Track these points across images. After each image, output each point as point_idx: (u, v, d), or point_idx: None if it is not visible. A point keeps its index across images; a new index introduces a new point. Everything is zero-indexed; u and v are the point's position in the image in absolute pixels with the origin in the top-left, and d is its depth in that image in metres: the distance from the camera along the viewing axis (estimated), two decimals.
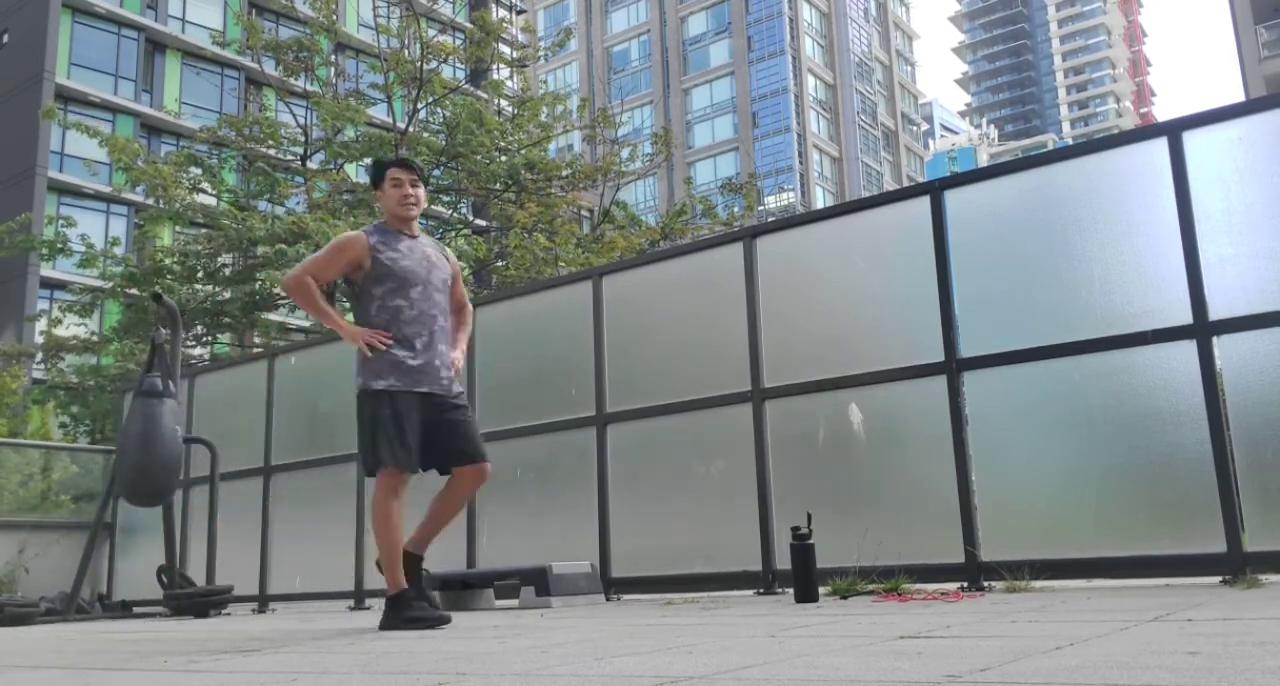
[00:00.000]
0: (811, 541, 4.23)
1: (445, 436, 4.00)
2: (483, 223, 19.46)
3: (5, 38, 29.61)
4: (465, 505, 4.29)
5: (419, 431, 3.95)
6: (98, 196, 27.96)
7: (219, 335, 16.21)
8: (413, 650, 2.87)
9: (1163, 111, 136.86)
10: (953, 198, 5.04)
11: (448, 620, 3.81)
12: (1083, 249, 4.62)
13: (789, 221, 5.80)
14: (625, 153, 18.11)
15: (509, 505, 6.53)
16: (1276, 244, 4.19)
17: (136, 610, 7.85)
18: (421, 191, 4.18)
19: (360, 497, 7.25)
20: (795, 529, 4.29)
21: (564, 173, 17.08)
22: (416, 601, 3.87)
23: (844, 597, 4.29)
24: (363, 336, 3.95)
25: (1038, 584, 4.28)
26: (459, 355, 4.18)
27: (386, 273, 3.99)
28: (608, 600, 5.66)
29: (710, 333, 5.81)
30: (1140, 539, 4.28)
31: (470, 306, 4.41)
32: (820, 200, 64.92)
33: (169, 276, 14.62)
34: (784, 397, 5.41)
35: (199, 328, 15.08)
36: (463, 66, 19.59)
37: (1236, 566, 3.97)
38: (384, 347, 3.93)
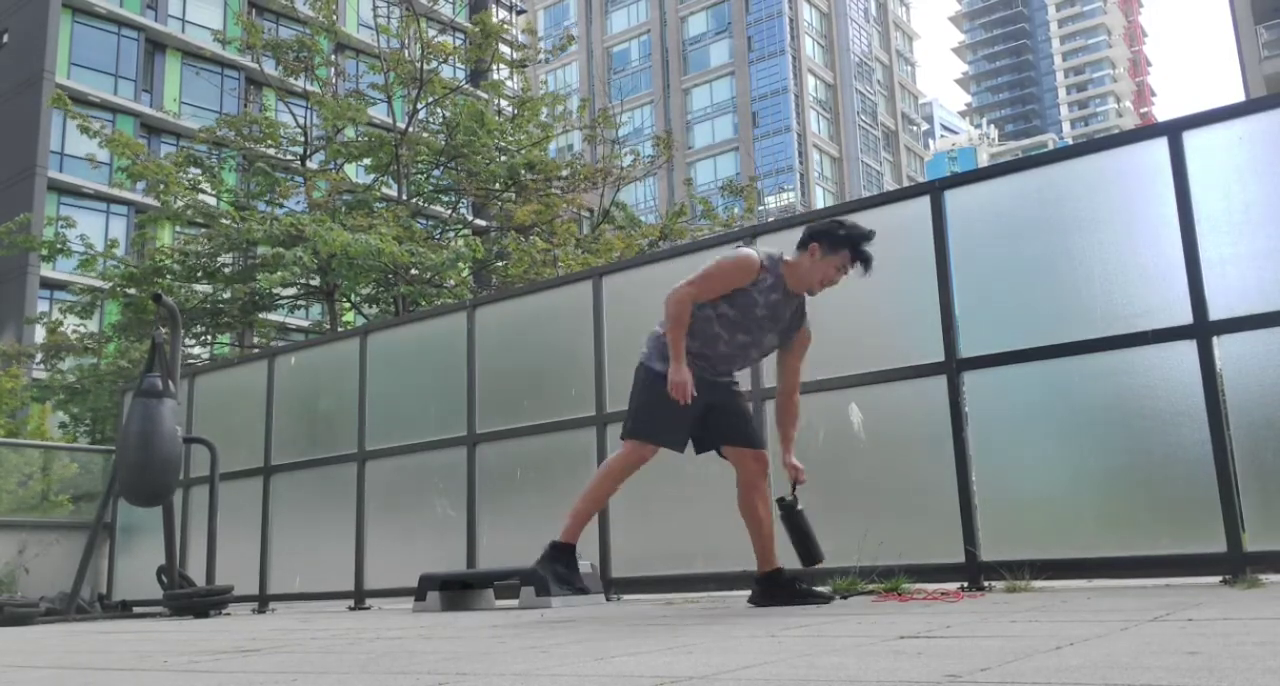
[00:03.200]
0: (801, 507, 4.07)
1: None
2: (483, 223, 19.46)
3: (5, 38, 29.62)
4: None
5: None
6: (98, 196, 27.98)
7: (219, 335, 16.21)
8: (413, 650, 2.87)
9: (1163, 111, 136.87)
10: (953, 198, 5.04)
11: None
12: (1083, 249, 4.62)
13: (789, 221, 5.80)
14: (628, 160, 18.12)
15: (509, 505, 6.53)
16: (1276, 244, 4.19)
17: (136, 610, 7.84)
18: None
19: (360, 498, 7.25)
20: (780, 499, 4.10)
21: (563, 173, 17.08)
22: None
23: (844, 597, 4.29)
24: (679, 382, 3.78)
25: (1038, 584, 4.28)
26: (793, 460, 4.04)
27: (739, 304, 3.87)
28: (608, 600, 5.66)
29: None
30: (1140, 539, 4.28)
31: (798, 398, 4.13)
32: (820, 200, 64.92)
33: (169, 276, 14.63)
34: None
35: (199, 327, 15.08)
36: (463, 67, 19.59)
37: (1236, 566, 3.97)
38: (682, 403, 3.79)
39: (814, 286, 3.93)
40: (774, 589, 4.02)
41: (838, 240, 3.89)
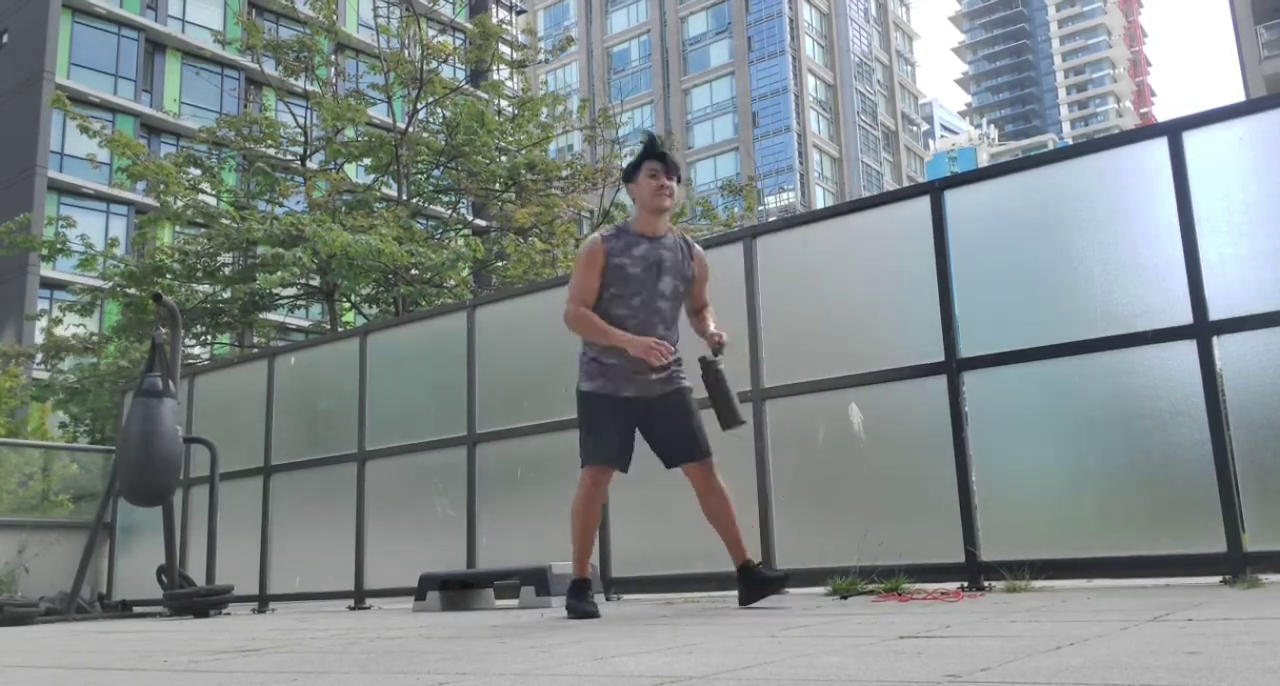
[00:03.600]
0: (721, 367, 4.03)
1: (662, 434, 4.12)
2: (482, 223, 19.46)
3: (5, 38, 29.62)
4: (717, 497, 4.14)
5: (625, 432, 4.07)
6: (98, 196, 27.98)
7: (219, 335, 16.22)
8: (413, 650, 2.87)
9: (1163, 111, 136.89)
10: (953, 198, 5.04)
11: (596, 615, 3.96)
12: (1083, 249, 4.62)
13: (789, 221, 5.80)
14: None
15: (509, 505, 6.53)
16: (1276, 244, 4.19)
17: (136, 610, 7.85)
18: (675, 184, 4.17)
19: (360, 498, 7.25)
20: (702, 357, 4.03)
21: (564, 173, 17.08)
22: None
23: (844, 597, 4.29)
24: (644, 348, 3.91)
25: (1038, 584, 4.28)
26: (710, 329, 4.13)
27: (613, 279, 4.05)
28: (608, 600, 5.66)
29: None
30: (1140, 539, 4.28)
31: (707, 312, 4.31)
32: (820, 200, 64.93)
33: (169, 276, 14.63)
34: (784, 397, 5.40)
35: (199, 327, 15.09)
36: (463, 67, 19.59)
37: (1236, 566, 3.97)
38: (663, 362, 3.91)
39: (656, 203, 4.14)
40: (751, 583, 4.11)
41: (635, 163, 4.24)
